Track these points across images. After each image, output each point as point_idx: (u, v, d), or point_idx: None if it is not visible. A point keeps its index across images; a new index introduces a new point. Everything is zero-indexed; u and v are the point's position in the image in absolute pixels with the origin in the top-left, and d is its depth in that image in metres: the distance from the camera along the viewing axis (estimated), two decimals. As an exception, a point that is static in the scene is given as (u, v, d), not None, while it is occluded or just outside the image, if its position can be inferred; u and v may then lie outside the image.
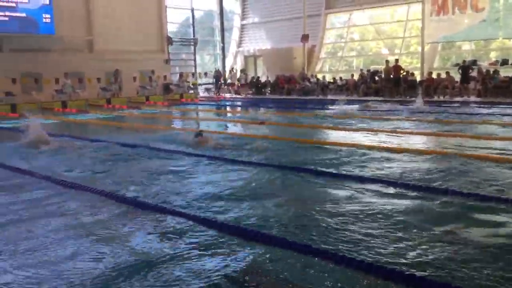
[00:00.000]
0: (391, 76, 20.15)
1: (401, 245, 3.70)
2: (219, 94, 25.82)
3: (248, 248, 3.67)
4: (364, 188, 5.36)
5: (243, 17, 30.42)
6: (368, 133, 9.83)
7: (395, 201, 4.89)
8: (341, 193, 5.22)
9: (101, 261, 3.51)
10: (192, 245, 3.76)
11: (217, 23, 30.01)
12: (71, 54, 20.92)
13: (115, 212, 4.74)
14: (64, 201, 5.19)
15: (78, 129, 12.49)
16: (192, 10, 27.51)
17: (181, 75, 25.15)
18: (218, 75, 26.65)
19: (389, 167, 6.46)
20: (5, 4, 18.64)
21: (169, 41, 25.26)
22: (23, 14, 19.15)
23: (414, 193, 5.16)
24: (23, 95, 19.25)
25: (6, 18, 18.71)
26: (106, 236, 4.05)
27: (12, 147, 8.92)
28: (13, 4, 18.86)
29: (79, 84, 20.88)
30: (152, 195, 5.31)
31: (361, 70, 22.87)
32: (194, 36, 27.33)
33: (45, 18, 19.68)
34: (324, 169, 6.35)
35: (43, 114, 15.88)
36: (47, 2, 19.65)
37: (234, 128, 11.85)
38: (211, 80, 27.69)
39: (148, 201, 5.02)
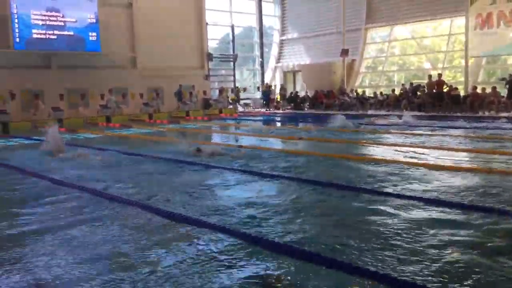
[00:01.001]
0: (434, 91, 19.69)
1: (438, 264, 3.57)
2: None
3: (286, 263, 3.64)
4: (403, 205, 5.23)
5: (282, 33, 30.63)
6: (404, 149, 9.61)
7: (435, 219, 4.74)
8: (379, 209, 5.10)
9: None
10: (228, 258, 3.76)
11: (256, 39, 30.35)
12: (116, 71, 21.61)
13: (158, 225, 4.81)
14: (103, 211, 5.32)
15: (121, 143, 12.79)
16: (232, 26, 27.93)
17: (220, 90, 25.49)
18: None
19: (429, 184, 6.28)
20: (54, 23, 19.51)
21: (209, 57, 25.70)
22: (71, 33, 19.97)
23: (453, 211, 4.99)
24: (70, 110, 20.01)
25: (55, 37, 19.57)
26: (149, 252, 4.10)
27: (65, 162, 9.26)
28: (62, 23, 19.71)
29: (122, 99, 21.52)
30: (191, 208, 5.36)
31: (403, 84, 22.48)
32: (233, 52, 27.70)
33: (92, 36, 20.45)
34: (362, 186, 6.25)
35: (88, 129, 16.43)
36: (94, 21, 20.43)
37: (272, 143, 11.84)
38: (250, 95, 27.91)
39: (190, 215, 5.04)
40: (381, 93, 23.08)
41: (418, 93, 21.01)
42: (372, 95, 23.28)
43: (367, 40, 26.08)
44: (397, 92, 21.86)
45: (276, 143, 11.91)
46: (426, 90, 20.40)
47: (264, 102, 26.55)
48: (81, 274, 3.60)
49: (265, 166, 7.98)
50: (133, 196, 6.06)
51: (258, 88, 28.70)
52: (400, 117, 16.58)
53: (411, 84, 22.06)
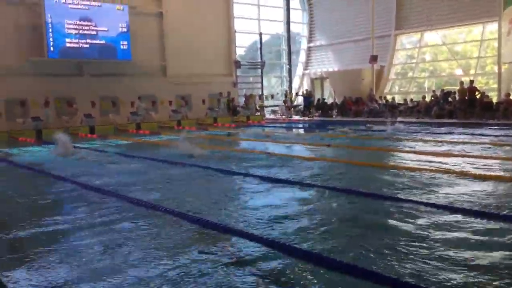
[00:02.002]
0: (466, 97, 19.28)
1: (472, 274, 3.47)
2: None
3: (320, 274, 3.62)
4: (434, 215, 5.12)
5: (310, 40, 30.58)
6: (433, 157, 9.43)
7: (465, 229, 4.61)
8: (409, 219, 5.01)
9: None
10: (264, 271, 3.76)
11: (284, 46, 30.39)
12: (146, 78, 21.99)
13: (189, 233, 4.84)
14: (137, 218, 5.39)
15: (151, 149, 12.96)
16: (260, 34, 28.04)
17: (248, 97, 25.59)
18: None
19: (457, 193, 6.14)
20: (86, 32, 20.01)
21: (237, 64, 25.87)
22: (103, 42, 20.43)
23: (485, 221, 4.86)
24: (101, 117, 20.45)
25: (87, 45, 20.05)
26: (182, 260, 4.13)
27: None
28: (94, 32, 20.19)
29: (152, 106, 21.87)
30: (226, 217, 5.38)
31: (434, 91, 22.09)
32: (261, 59, 27.80)
33: (123, 44, 20.88)
34: (391, 194, 6.15)
35: (119, 136, 16.73)
36: (125, 30, 20.85)
37: (299, 150, 11.79)
38: (277, 103, 27.93)
39: (224, 224, 5.04)
40: (411, 100, 22.73)
41: (450, 99, 20.61)
42: (402, 102, 22.96)
43: (396, 46, 25.77)
44: (427, 99, 21.49)
45: (303, 150, 11.85)
46: (457, 97, 20.00)
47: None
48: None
49: (293, 173, 7.96)
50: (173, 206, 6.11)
51: (286, 94, 28.67)
52: (393, 123, 16.54)
53: (442, 90, 21.65)
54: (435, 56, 25.68)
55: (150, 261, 4.02)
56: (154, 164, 9.68)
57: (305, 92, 26.64)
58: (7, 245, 4.67)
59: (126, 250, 4.32)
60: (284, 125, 21.82)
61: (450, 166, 8.21)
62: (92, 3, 20.01)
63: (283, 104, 27.34)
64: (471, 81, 19.68)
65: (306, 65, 30.76)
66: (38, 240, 4.76)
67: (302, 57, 31.03)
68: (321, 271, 3.70)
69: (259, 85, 28.15)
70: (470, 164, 8.43)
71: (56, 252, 4.35)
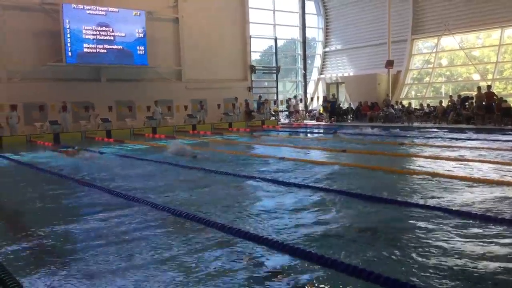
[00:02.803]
0: (483, 103, 19.02)
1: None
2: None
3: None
4: (449, 220, 5.05)
5: (325, 45, 30.52)
6: (446, 162, 9.32)
7: (478, 236, 4.54)
8: (425, 225, 4.95)
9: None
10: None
11: (299, 51, 30.38)
12: (162, 83, 22.19)
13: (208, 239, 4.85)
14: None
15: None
16: (275, 39, 28.10)
17: (263, 102, 25.62)
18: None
19: (471, 198, 6.06)
20: (104, 37, 20.26)
21: (252, 69, 25.94)
22: (120, 47, 20.67)
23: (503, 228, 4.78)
24: (118, 122, 20.66)
25: (105, 51, 20.30)
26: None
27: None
28: (111, 38, 20.44)
29: (168, 111, 22.04)
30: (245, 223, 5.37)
31: (451, 96, 21.85)
32: (276, 64, 27.84)
33: (139, 50, 21.09)
34: (407, 199, 6.09)
35: (135, 139, 16.86)
36: (142, 35, 21.07)
37: (315, 155, 11.74)
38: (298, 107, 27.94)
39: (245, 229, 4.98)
40: (428, 105, 22.52)
41: (467, 105, 20.37)
42: (418, 107, 22.76)
43: (413, 51, 25.59)
44: (444, 104, 21.27)
45: (318, 155, 11.80)
46: (475, 102, 19.75)
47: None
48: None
49: (308, 178, 7.94)
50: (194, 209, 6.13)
51: (301, 99, 28.65)
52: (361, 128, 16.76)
53: (459, 96, 21.42)
54: (452, 61, 25.44)
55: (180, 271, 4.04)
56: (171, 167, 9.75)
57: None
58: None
59: (157, 258, 4.32)
60: (300, 130, 21.74)
61: (467, 172, 8.10)
62: (110, 8, 20.27)
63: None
64: (489, 86, 19.43)
65: (322, 70, 30.69)
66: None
67: (317, 62, 30.98)
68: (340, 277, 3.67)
69: (274, 90, 28.18)
70: (488, 170, 8.31)
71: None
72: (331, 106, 25.14)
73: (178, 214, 5.62)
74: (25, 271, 3.98)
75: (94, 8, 19.96)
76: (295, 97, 27.92)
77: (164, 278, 3.74)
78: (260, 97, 26.07)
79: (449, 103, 21.07)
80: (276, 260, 4.10)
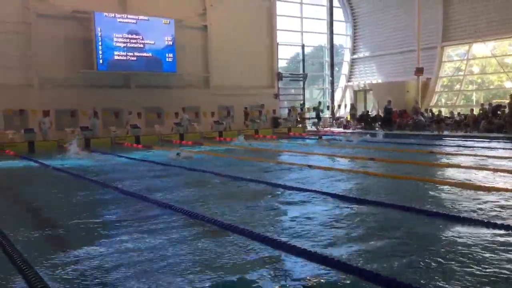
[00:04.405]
0: (516, 111, 18.52)
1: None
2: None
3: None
4: (477, 232, 4.91)
5: (353, 51, 30.30)
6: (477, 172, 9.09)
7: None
8: (452, 235, 4.83)
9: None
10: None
11: (326, 58, 30.24)
12: (189, 90, 22.43)
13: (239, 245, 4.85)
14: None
15: (201, 161, 13.13)
16: (303, 46, 28.06)
17: (290, 109, 25.57)
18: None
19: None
20: (134, 45, 20.62)
21: (279, 76, 25.95)
22: (149, 54, 20.99)
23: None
24: (147, 128, 20.95)
25: (135, 58, 20.66)
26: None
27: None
28: (141, 45, 20.79)
29: (195, 117, 22.24)
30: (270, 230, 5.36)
31: (482, 104, 21.36)
32: (303, 71, 27.78)
33: (168, 57, 21.38)
34: (437, 210, 5.96)
35: (163, 146, 17.04)
36: (171, 43, 21.36)
37: (342, 164, 11.63)
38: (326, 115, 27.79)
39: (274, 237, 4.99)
40: (458, 113, 22.06)
41: (499, 113, 19.86)
42: (448, 115, 22.31)
43: (443, 58, 25.15)
44: (475, 112, 20.79)
45: (345, 163, 11.69)
46: (507, 111, 19.25)
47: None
48: None
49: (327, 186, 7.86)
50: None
51: (328, 107, 28.50)
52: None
53: (491, 104, 20.91)
54: (483, 68, 24.89)
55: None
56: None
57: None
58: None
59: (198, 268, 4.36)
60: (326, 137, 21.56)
61: (500, 183, 7.89)
62: (140, 17, 20.63)
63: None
64: (522, 94, 18.91)
65: (349, 77, 30.46)
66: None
67: (345, 69, 30.77)
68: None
69: (301, 97, 28.11)
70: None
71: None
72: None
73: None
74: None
75: (125, 17, 20.36)
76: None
77: None
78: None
79: (480, 111, 20.59)
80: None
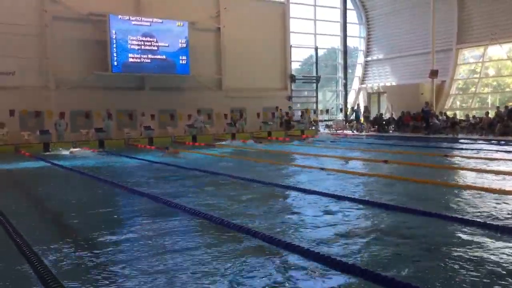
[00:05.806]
0: (533, 114, 18.27)
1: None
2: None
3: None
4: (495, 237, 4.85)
5: (367, 54, 30.18)
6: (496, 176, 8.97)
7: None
8: (471, 240, 4.77)
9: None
10: None
11: (339, 60, 30.16)
12: (202, 92, 22.51)
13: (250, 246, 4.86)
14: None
15: (218, 164, 13.17)
16: (316, 48, 28.02)
17: (303, 111, 25.54)
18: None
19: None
20: (148, 47, 20.78)
21: (292, 78, 25.94)
22: (163, 57, 21.14)
23: None
24: (160, 130, 21.08)
25: (149, 60, 20.81)
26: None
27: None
28: (155, 48, 20.94)
29: (208, 119, 22.32)
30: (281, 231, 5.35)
31: (497, 107, 21.10)
32: (316, 74, 27.72)
33: (182, 60, 21.50)
34: (449, 214, 5.89)
35: (176, 147, 17.11)
36: (184, 45, 21.48)
37: (358, 166, 11.57)
38: (332, 117, 27.69)
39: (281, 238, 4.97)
40: (473, 116, 21.82)
41: (515, 116, 19.62)
42: (463, 118, 22.08)
43: (458, 61, 24.91)
44: (491, 115, 20.56)
45: (359, 166, 11.63)
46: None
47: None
48: None
49: (343, 190, 7.83)
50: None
51: (341, 109, 28.43)
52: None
53: (506, 107, 20.64)
54: (499, 70, 24.60)
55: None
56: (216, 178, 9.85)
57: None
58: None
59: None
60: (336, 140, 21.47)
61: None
62: (154, 19, 20.79)
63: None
64: (540, 97, 18.65)
65: (363, 79, 30.34)
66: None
67: (358, 71, 30.66)
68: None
69: (314, 99, 28.05)
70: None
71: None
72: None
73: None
74: None
75: (139, 19, 20.53)
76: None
77: None
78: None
79: (496, 115, 20.35)
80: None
